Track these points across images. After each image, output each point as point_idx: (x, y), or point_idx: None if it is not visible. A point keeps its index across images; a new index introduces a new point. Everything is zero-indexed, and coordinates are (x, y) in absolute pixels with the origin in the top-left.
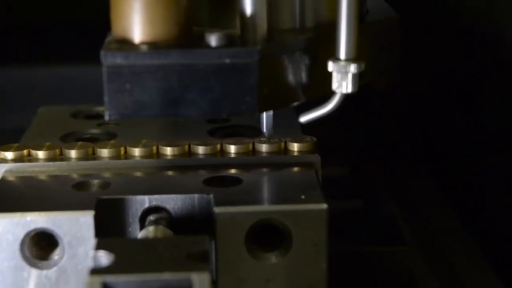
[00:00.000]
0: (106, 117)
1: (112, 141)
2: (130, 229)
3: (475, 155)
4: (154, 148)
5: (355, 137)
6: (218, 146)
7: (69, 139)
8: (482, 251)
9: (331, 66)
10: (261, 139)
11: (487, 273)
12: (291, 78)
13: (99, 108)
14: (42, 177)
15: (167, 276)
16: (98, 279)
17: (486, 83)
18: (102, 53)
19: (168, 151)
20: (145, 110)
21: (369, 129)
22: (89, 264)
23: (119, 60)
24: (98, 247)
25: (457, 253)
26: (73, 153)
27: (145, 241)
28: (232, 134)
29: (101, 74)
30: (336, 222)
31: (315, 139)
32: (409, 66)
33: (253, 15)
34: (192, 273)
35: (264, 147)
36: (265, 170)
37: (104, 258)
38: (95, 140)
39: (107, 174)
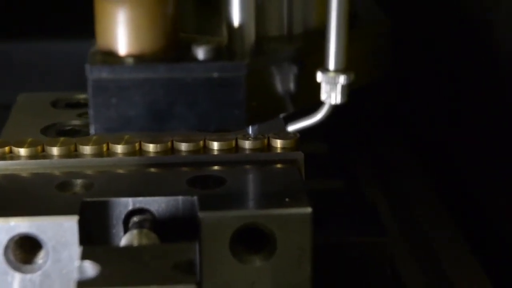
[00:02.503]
0: (92, 131)
1: (94, 137)
2: (114, 231)
3: (461, 135)
4: (137, 144)
5: (335, 114)
6: (201, 142)
7: (50, 131)
8: (467, 239)
9: (319, 77)
10: (244, 134)
11: (472, 263)
12: (280, 89)
13: (80, 96)
14: (25, 175)
15: None
16: None
17: (476, 66)
18: (87, 67)
19: (151, 148)
20: (131, 124)
21: (351, 107)
22: (73, 268)
23: (104, 74)
24: (84, 256)
25: (441, 240)
26: (55, 150)
27: (130, 249)
28: None
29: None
30: (315, 206)
31: (298, 135)
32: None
33: (240, 25)
34: (179, 286)
35: (247, 144)
36: (248, 168)
37: (90, 268)
38: (76, 133)
39: (90, 172)
